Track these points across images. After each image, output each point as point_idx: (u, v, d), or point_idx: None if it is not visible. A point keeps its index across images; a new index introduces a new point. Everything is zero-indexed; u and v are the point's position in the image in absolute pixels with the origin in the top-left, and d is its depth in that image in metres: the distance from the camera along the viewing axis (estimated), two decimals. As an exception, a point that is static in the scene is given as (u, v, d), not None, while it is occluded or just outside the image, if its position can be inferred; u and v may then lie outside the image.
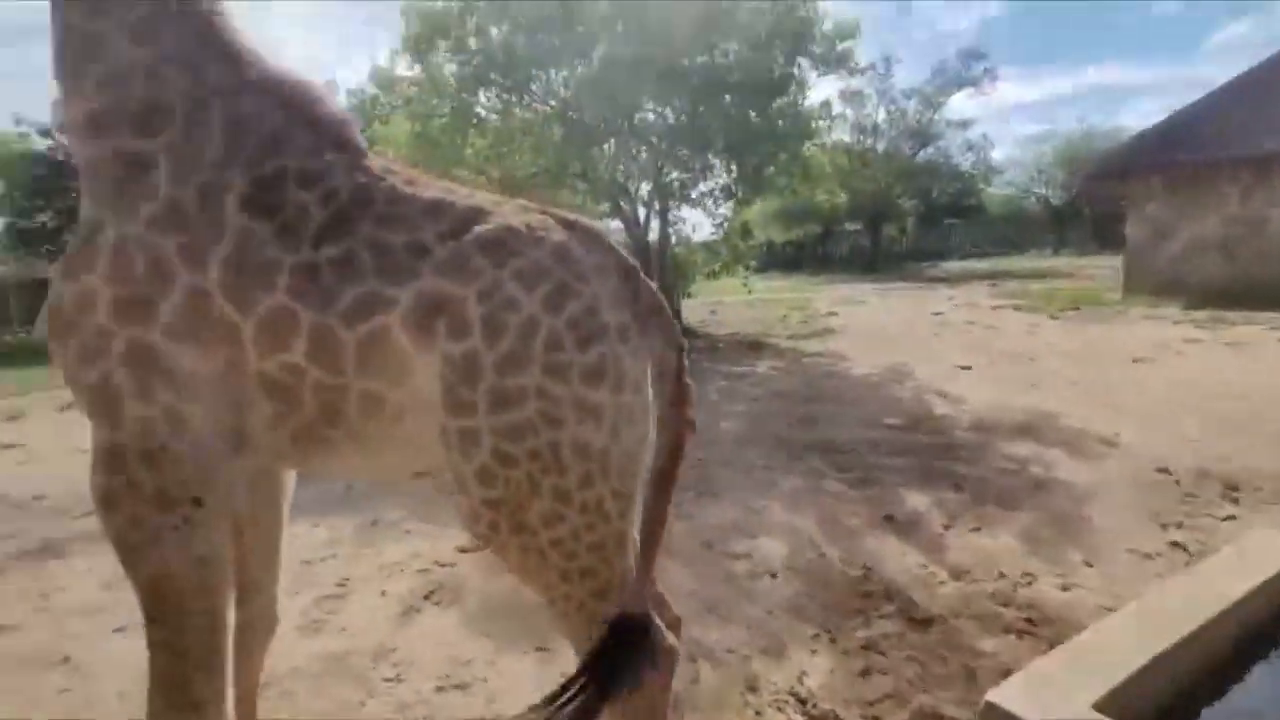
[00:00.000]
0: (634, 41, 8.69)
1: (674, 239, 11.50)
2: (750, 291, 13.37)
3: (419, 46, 9.15)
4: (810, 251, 34.07)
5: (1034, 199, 34.41)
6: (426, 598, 3.00)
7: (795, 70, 9.85)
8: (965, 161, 30.25)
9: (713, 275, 12.70)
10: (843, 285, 21.11)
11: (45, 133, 14.84)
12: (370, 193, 1.40)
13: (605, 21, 9.09)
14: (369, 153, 1.48)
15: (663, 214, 10.96)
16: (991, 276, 20.58)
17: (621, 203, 10.58)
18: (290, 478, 1.78)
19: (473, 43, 9.16)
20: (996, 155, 31.69)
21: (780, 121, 9.76)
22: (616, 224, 11.70)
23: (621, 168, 10.18)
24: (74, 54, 1.38)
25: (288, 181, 1.37)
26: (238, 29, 1.46)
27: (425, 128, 9.68)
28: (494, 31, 9.26)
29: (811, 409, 6.11)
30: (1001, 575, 2.99)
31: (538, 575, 1.41)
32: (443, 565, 3.29)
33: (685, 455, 1.56)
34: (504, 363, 1.29)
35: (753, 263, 12.85)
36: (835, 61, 10.31)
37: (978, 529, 3.49)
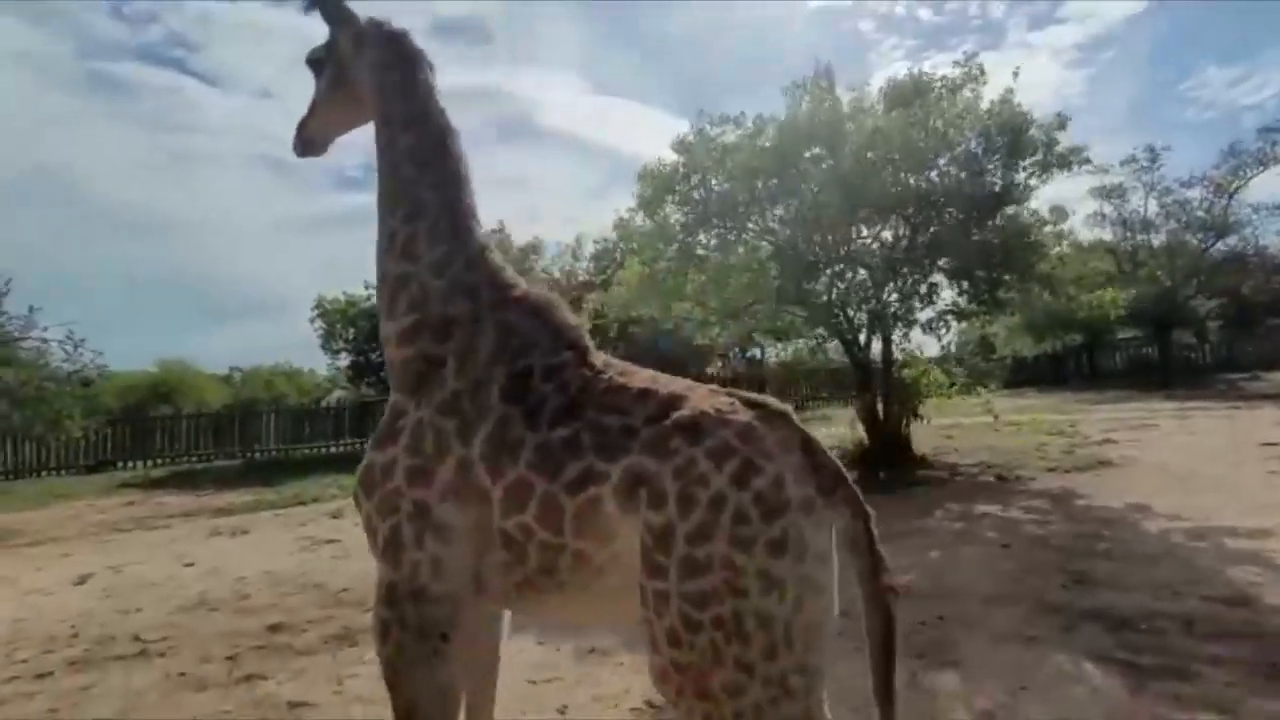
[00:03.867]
0: (843, 176, 8.95)
1: (898, 358, 10.90)
2: (996, 415, 11.80)
3: (650, 205, 10.48)
4: (1074, 365, 29.33)
5: None
6: (637, 741, 2.99)
7: (1016, 178, 9.17)
8: (1288, 250, 24.33)
9: (941, 395, 11.57)
10: (1119, 404, 17.65)
11: (382, 294, 19.76)
12: (593, 384, 1.70)
13: (814, 160, 9.57)
14: (592, 349, 1.83)
15: (884, 336, 10.54)
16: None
17: (840, 326, 10.43)
18: (505, 616, 2.04)
19: (695, 195, 10.24)
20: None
21: (1003, 235, 9.03)
22: (834, 347, 11.53)
23: (837, 294, 10.16)
24: (391, 289, 1.94)
25: (534, 376, 1.73)
26: (498, 256, 1.94)
27: (653, 269, 10.83)
28: (713, 183, 10.28)
29: (1086, 566, 5.05)
30: None
31: None
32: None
33: (898, 620, 1.49)
34: (694, 533, 1.40)
35: (993, 383, 11.44)
36: (1059, 162, 9.34)
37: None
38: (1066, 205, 11.74)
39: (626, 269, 12.27)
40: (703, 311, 11.18)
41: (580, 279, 21.73)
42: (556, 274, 22.08)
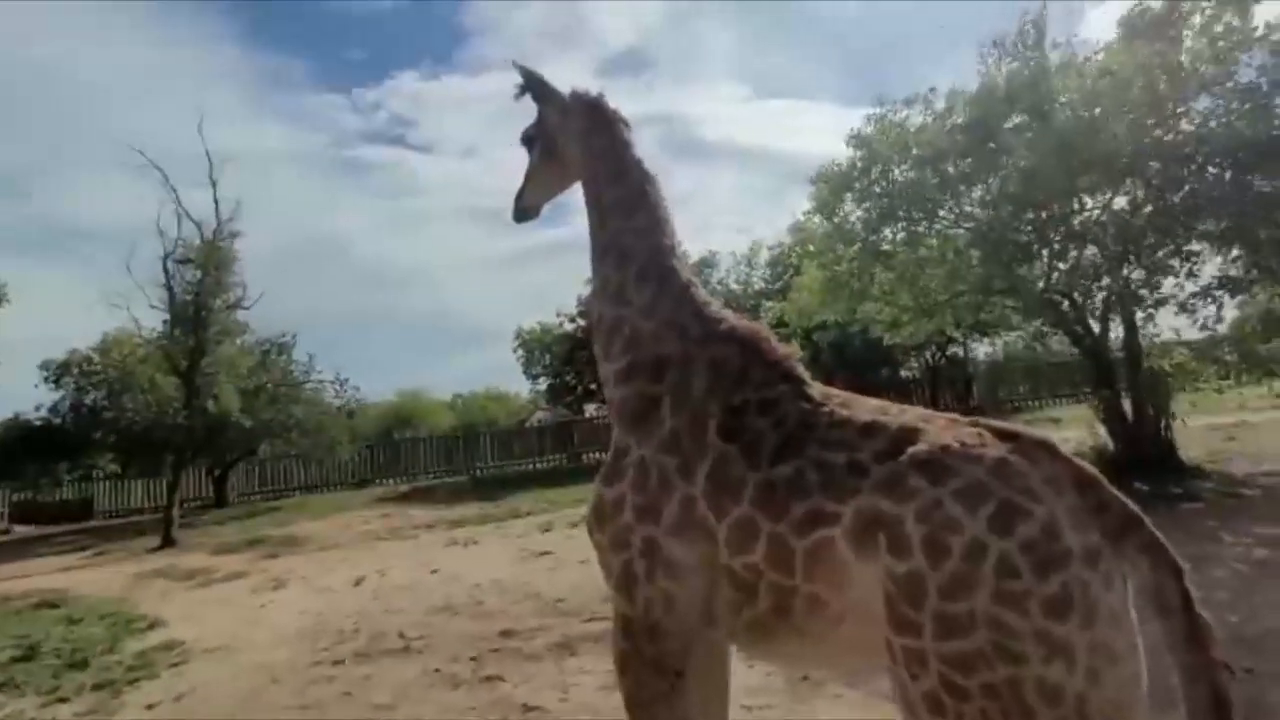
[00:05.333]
0: (1059, 139, 7.75)
1: (1146, 345, 9.13)
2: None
3: (828, 206, 10.03)
4: None
5: None
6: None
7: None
8: None
9: (1211, 388, 9.36)
10: None
11: (571, 319, 21.34)
12: (814, 417, 1.62)
13: (1018, 130, 8.43)
14: (808, 380, 1.75)
15: (1127, 320, 8.91)
16: None
17: (1064, 314, 9.04)
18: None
19: (876, 189, 9.59)
20: None
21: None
22: (1058, 338, 10.02)
23: (1057, 277, 8.84)
24: (606, 332, 2.05)
25: (750, 411, 1.69)
26: (703, 291, 1.98)
27: (833, 272, 10.32)
28: (896, 173, 9.55)
29: None
30: None
31: None
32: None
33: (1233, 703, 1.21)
34: (950, 586, 1.25)
35: (1293, 368, 9.05)
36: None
37: None
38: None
39: (805, 274, 11.87)
40: (892, 311, 10.40)
41: (757, 288, 21.50)
42: (733, 285, 22.09)
